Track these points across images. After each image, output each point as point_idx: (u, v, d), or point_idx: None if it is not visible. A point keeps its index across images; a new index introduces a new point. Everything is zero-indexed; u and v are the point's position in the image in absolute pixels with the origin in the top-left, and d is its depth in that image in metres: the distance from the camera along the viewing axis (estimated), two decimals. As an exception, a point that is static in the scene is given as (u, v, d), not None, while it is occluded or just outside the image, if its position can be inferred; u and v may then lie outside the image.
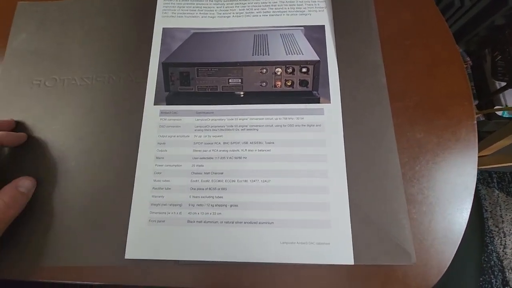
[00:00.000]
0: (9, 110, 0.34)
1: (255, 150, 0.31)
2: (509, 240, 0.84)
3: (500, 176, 0.91)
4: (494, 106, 0.74)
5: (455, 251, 0.28)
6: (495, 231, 0.85)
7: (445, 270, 0.28)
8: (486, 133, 0.74)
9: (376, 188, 0.29)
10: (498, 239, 0.84)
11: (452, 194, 0.30)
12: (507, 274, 0.81)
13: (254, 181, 0.30)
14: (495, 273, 0.81)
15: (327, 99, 0.32)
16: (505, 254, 0.83)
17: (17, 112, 0.34)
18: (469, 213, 0.29)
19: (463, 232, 0.28)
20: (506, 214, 0.87)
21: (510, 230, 0.85)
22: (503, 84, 0.71)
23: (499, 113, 0.73)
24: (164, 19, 0.36)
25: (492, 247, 0.83)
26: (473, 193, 0.30)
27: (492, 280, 0.81)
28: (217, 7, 0.37)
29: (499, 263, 0.82)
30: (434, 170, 0.30)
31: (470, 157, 0.31)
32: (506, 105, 0.72)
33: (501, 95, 0.73)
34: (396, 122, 0.31)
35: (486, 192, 0.89)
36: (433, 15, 0.36)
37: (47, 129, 0.33)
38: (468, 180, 0.30)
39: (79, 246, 0.29)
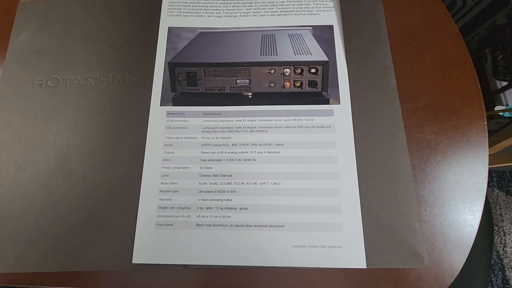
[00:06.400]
0: (10, 110, 0.33)
1: (265, 152, 0.30)
2: (509, 239, 0.84)
3: (500, 175, 0.91)
4: (495, 106, 0.74)
5: (467, 253, 0.28)
6: (495, 230, 0.86)
7: (458, 272, 0.27)
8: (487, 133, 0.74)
9: (387, 190, 0.29)
10: (498, 238, 0.85)
11: (463, 196, 0.29)
12: (507, 273, 0.82)
13: (263, 183, 0.29)
14: (495, 271, 0.82)
15: (337, 100, 0.32)
16: (505, 253, 0.83)
17: (19, 113, 0.33)
18: (481, 215, 0.29)
19: (475, 234, 0.28)
20: (506, 213, 0.87)
21: (509, 229, 0.85)
22: (504, 83, 0.72)
23: (500, 112, 0.73)
24: (169, 18, 0.36)
25: (492, 246, 0.84)
26: (485, 194, 0.29)
27: (493, 279, 0.81)
28: (224, 6, 0.36)
29: (499, 261, 0.83)
30: (445, 172, 0.30)
31: (481, 158, 0.30)
32: (507, 105, 0.72)
33: (502, 94, 0.73)
34: (406, 123, 0.31)
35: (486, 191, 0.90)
36: (442, 15, 0.36)
37: (49, 130, 0.32)
38: (479, 181, 0.30)
39: (84, 251, 0.28)
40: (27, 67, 0.35)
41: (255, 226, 0.28)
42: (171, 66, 0.34)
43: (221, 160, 0.30)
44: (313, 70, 0.33)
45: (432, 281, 0.27)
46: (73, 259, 0.28)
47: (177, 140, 0.31)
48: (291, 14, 0.35)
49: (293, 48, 0.34)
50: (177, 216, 0.29)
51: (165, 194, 0.29)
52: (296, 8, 0.36)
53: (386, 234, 0.28)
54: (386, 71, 0.33)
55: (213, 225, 0.28)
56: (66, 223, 0.29)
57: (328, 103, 0.32)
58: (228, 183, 0.30)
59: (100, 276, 0.28)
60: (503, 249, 0.84)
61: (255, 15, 0.36)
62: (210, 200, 0.29)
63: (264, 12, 0.36)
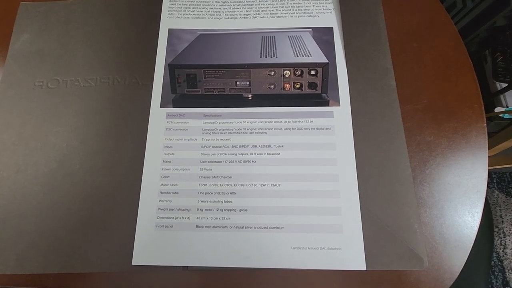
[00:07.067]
0: (11, 112, 0.33)
1: (264, 154, 0.30)
2: (509, 240, 0.84)
3: (500, 177, 0.91)
4: (495, 107, 0.74)
5: (467, 255, 0.28)
6: (495, 231, 0.86)
7: (458, 274, 0.27)
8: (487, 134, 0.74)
9: (387, 192, 0.29)
10: (498, 240, 0.85)
11: (463, 198, 0.29)
12: (507, 274, 0.81)
13: (263, 185, 0.29)
14: (496, 273, 0.82)
15: (337, 102, 0.32)
16: (505, 254, 0.83)
17: (19, 114, 0.33)
18: (480, 217, 0.29)
19: (475, 236, 0.28)
20: (506, 215, 0.87)
21: (510, 230, 0.85)
22: (504, 85, 0.72)
23: (500, 114, 0.73)
24: (170, 20, 0.36)
25: (492, 248, 0.84)
26: (484, 196, 0.29)
27: (493, 281, 0.81)
28: (224, 8, 0.36)
29: (499, 263, 0.83)
30: (444, 173, 0.30)
31: (480, 160, 0.31)
32: (507, 106, 0.72)
33: (501, 96, 0.73)
34: (406, 125, 0.31)
35: (486, 193, 0.90)
36: (441, 17, 0.36)
37: (50, 132, 0.32)
38: (479, 182, 0.30)
39: (84, 252, 0.28)
40: (27, 68, 0.35)
41: (254, 227, 0.28)
42: (171, 68, 0.34)
43: (221, 161, 0.30)
44: (313, 72, 0.33)
45: (432, 283, 0.27)
46: (73, 261, 0.28)
47: (177, 141, 0.31)
48: (291, 16, 0.36)
49: (293, 50, 0.34)
50: (177, 218, 0.29)
51: (165, 195, 0.30)
52: (296, 10, 0.36)
53: (386, 236, 0.28)
54: (385, 72, 0.33)
55: (213, 227, 0.28)
56: (66, 224, 0.29)
57: (328, 105, 0.32)
58: (228, 185, 0.30)
59: (100, 277, 0.28)
60: (503, 251, 0.84)
61: (255, 17, 0.36)
62: (210, 201, 0.29)
63: (264, 14, 0.36)
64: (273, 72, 0.33)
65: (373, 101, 0.32)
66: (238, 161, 0.30)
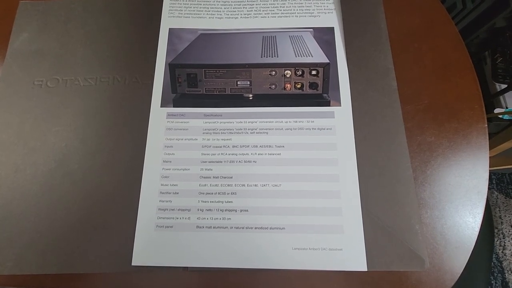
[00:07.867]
0: (10, 111, 0.33)
1: (265, 154, 0.30)
2: (508, 241, 0.84)
3: (499, 178, 0.91)
4: (495, 108, 0.74)
5: (468, 256, 0.28)
6: (494, 232, 0.86)
7: (459, 275, 0.27)
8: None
9: (388, 193, 0.29)
10: (497, 241, 0.85)
11: (464, 198, 0.29)
12: (506, 275, 0.81)
13: (264, 185, 0.29)
14: (495, 274, 0.82)
15: (338, 102, 0.32)
16: (505, 255, 0.83)
17: (18, 113, 0.33)
18: (481, 218, 0.29)
19: (476, 237, 0.28)
20: (505, 216, 0.87)
21: (509, 231, 0.85)
22: (504, 86, 0.72)
23: (500, 114, 0.73)
24: (170, 19, 0.36)
25: (493, 249, 0.84)
26: (486, 197, 0.29)
27: (492, 282, 0.81)
28: (225, 8, 0.36)
29: (499, 264, 0.83)
30: (445, 174, 0.30)
31: (481, 160, 0.30)
32: (507, 107, 0.72)
33: (501, 97, 0.73)
34: (407, 125, 0.31)
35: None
36: (442, 18, 0.36)
37: (49, 131, 0.32)
38: (480, 183, 0.30)
39: (83, 252, 0.28)
40: (27, 67, 0.34)
41: (255, 228, 0.28)
42: (172, 67, 0.34)
43: (221, 162, 0.30)
44: (314, 72, 0.33)
45: (433, 284, 0.27)
46: (72, 261, 0.28)
47: (178, 141, 0.31)
48: (292, 16, 0.35)
49: (294, 50, 0.34)
50: (177, 218, 0.29)
51: (165, 195, 0.29)
52: (297, 10, 0.36)
53: (387, 237, 0.28)
54: (386, 73, 0.33)
55: (213, 227, 0.28)
56: (66, 224, 0.29)
57: (329, 105, 0.32)
58: (228, 185, 0.29)
59: (99, 277, 0.28)
60: (502, 252, 0.84)
61: (256, 16, 0.36)
62: (210, 202, 0.29)
63: (265, 13, 0.36)
64: (274, 72, 0.33)
65: (374, 101, 0.32)
66: (239, 161, 0.30)
